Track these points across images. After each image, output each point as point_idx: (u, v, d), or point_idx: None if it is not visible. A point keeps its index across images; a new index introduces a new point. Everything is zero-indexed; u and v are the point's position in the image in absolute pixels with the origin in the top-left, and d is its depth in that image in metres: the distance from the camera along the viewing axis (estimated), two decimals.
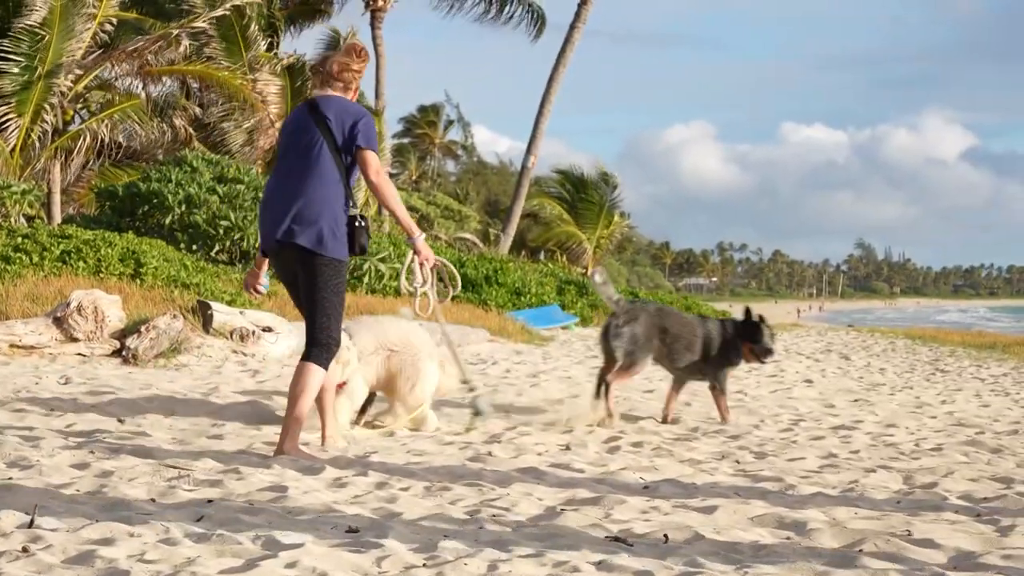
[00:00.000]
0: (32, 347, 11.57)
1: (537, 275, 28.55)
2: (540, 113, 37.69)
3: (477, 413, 7.94)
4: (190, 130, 29.52)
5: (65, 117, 25.69)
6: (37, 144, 24.51)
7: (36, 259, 15.83)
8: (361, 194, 24.79)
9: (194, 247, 21.01)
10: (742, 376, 13.13)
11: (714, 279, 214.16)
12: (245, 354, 12.63)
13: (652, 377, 12.63)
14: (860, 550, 4.55)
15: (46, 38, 23.92)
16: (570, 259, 47.77)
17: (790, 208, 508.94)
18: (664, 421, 8.67)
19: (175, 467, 5.86)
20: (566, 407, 8.83)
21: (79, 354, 11.68)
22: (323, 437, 6.86)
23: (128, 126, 27.44)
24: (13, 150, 24.02)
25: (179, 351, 12.04)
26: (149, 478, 5.59)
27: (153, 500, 5.10)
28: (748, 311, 8.75)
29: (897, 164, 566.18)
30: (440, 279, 7.33)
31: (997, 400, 11.18)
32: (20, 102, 23.96)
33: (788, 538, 4.78)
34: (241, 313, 13.46)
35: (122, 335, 11.97)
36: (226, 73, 28.32)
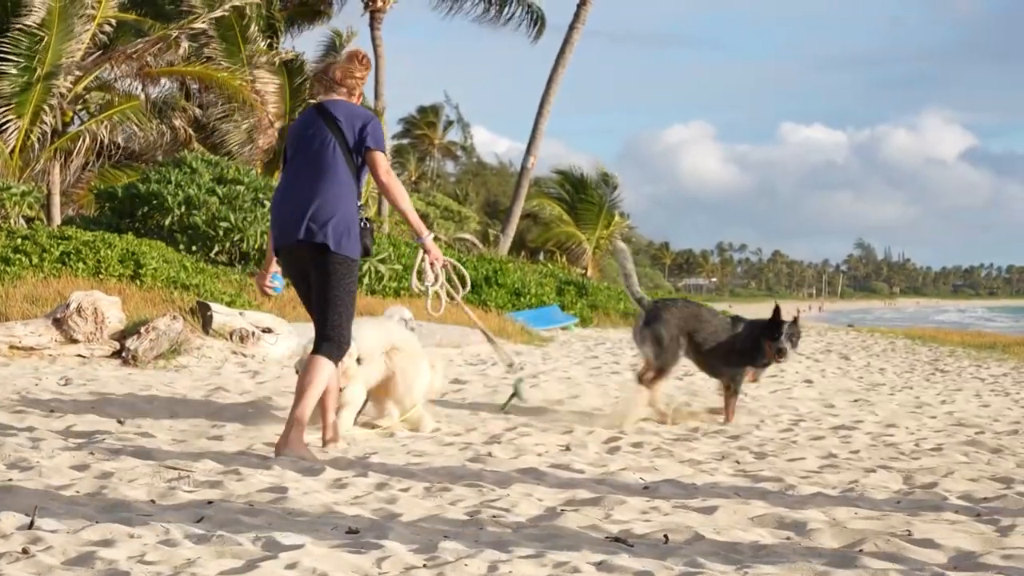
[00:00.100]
0: (32, 348, 11.58)
1: (537, 276, 28.56)
2: (539, 114, 37.68)
3: (516, 395, 7.94)
4: (189, 131, 29.52)
5: (64, 118, 25.70)
6: (36, 145, 24.52)
7: (36, 260, 15.84)
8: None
9: (194, 248, 21.01)
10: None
11: (714, 279, 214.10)
12: (245, 355, 12.63)
13: None
14: (860, 550, 4.56)
15: (45, 39, 23.92)
16: (570, 260, 47.81)
17: (789, 208, 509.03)
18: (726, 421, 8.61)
19: (175, 468, 5.86)
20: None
21: (79, 355, 11.68)
22: (324, 438, 6.86)
23: (127, 127, 27.45)
24: (12, 151, 24.03)
25: (179, 352, 12.04)
26: (149, 479, 5.59)
27: (153, 501, 5.10)
28: (777, 309, 8.64)
29: (896, 164, 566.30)
30: (448, 279, 7.36)
31: (997, 400, 11.18)
32: (19, 103, 23.96)
33: (788, 538, 4.79)
34: (241, 314, 13.46)
35: (122, 336, 11.97)
36: (225, 74, 28.33)
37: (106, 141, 25.89)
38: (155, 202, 21.82)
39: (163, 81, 29.77)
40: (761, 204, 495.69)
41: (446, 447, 7.05)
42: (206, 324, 13.04)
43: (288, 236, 6.55)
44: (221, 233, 21.35)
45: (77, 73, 25.06)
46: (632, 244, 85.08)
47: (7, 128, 23.95)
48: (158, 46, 26.09)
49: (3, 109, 24.03)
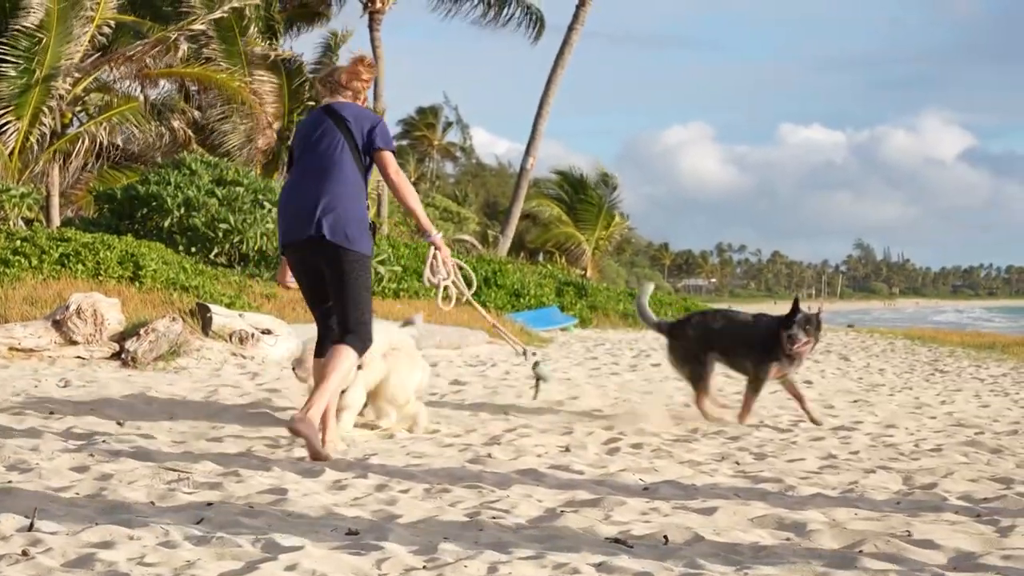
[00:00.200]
0: (31, 350, 11.57)
1: (536, 277, 28.58)
2: (538, 114, 37.69)
3: (540, 379, 7.94)
4: (189, 132, 29.53)
5: (63, 120, 25.71)
6: (36, 147, 24.52)
7: (35, 262, 15.84)
8: None
9: (193, 250, 21.02)
10: (741, 377, 13.12)
11: (713, 280, 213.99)
12: (244, 356, 12.63)
13: (652, 378, 12.64)
14: (860, 551, 4.56)
15: (44, 41, 23.93)
16: (569, 260, 47.85)
17: (789, 209, 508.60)
18: (814, 422, 8.57)
19: (175, 470, 5.86)
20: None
21: (78, 357, 11.67)
22: (323, 440, 6.86)
23: (126, 129, 27.45)
24: (12, 153, 24.03)
25: (178, 354, 12.04)
26: (149, 481, 5.59)
27: (153, 503, 5.10)
28: (796, 301, 8.64)
29: (896, 165, 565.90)
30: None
31: (996, 400, 11.18)
32: (18, 105, 23.97)
33: (788, 539, 4.79)
34: (240, 316, 13.46)
35: (121, 338, 11.96)
36: (224, 75, 28.34)
37: (105, 143, 25.89)
38: (154, 204, 21.84)
39: (162, 82, 29.78)
40: (760, 205, 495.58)
41: (446, 448, 7.05)
42: (205, 326, 13.04)
43: (296, 232, 6.61)
44: (220, 235, 21.35)
45: (76, 75, 25.07)
46: (632, 245, 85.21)
47: (6, 130, 23.96)
48: (157, 48, 26.09)
49: (2, 111, 24.04)
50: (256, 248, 21.56)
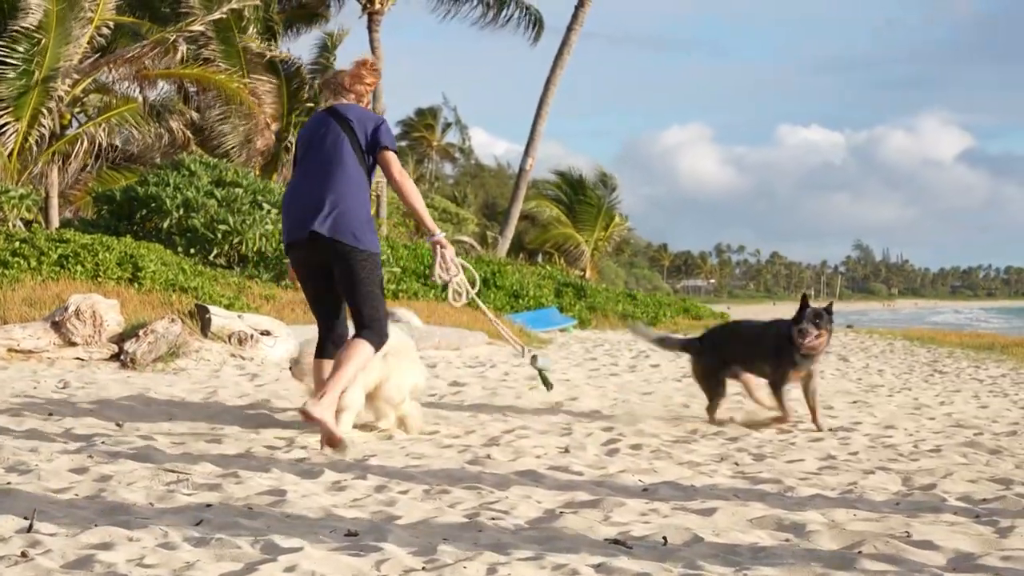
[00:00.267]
0: (30, 351, 11.57)
1: (535, 277, 28.59)
2: (537, 115, 37.71)
3: (543, 370, 7.92)
4: (188, 134, 29.54)
5: (62, 121, 25.72)
6: (35, 148, 24.53)
7: (34, 263, 15.84)
8: None
9: (192, 251, 21.02)
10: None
11: (712, 281, 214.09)
12: (243, 358, 12.63)
13: (650, 379, 12.64)
14: (859, 552, 4.56)
15: (43, 42, 23.93)
16: (568, 261, 47.87)
17: (787, 210, 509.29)
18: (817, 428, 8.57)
19: (174, 471, 5.86)
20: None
21: (77, 358, 11.67)
22: (321, 441, 6.86)
23: (125, 130, 27.46)
24: (11, 154, 24.03)
25: (177, 355, 12.04)
26: (148, 482, 5.59)
27: (152, 504, 5.10)
28: (804, 298, 8.65)
29: (894, 166, 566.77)
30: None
31: (996, 401, 11.18)
32: (17, 106, 23.98)
33: (787, 540, 4.79)
34: (239, 317, 13.46)
35: (120, 339, 11.96)
36: (223, 76, 28.35)
37: (104, 144, 25.91)
38: (153, 205, 21.84)
39: (161, 83, 29.79)
40: (759, 206, 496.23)
41: (445, 449, 7.05)
42: (204, 327, 13.04)
43: (301, 231, 6.66)
44: (219, 236, 21.36)
45: (75, 76, 25.07)
46: (631, 246, 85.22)
47: (5, 131, 23.96)
48: (156, 49, 26.10)
49: (1, 112, 24.06)
50: (255, 249, 21.56)
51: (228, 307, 14.64)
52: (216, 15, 27.76)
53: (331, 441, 6.59)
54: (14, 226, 20.39)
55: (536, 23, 38.44)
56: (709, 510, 5.29)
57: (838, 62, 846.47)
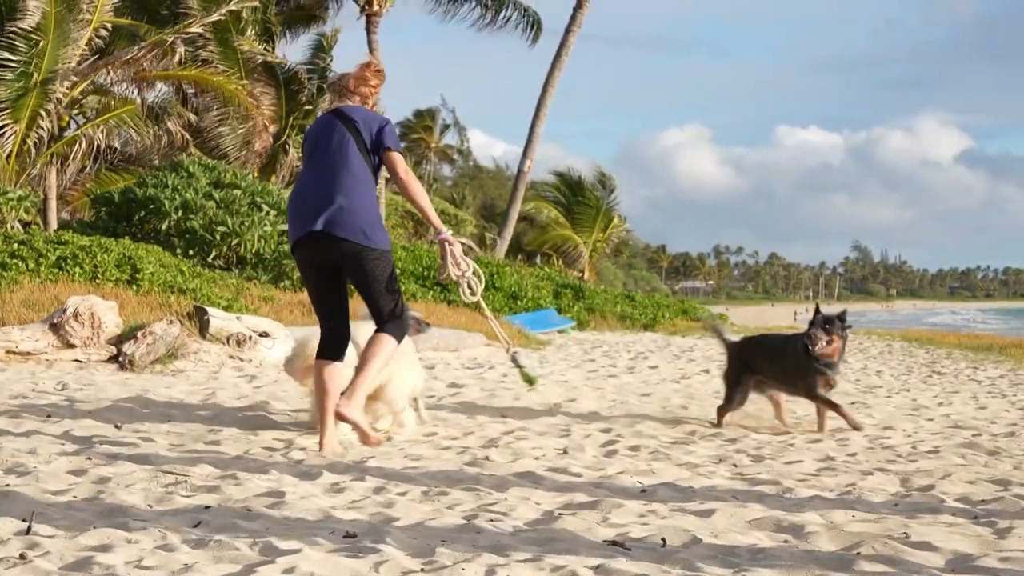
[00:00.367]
0: (29, 353, 11.57)
1: (533, 279, 28.55)
2: (536, 117, 37.69)
3: (521, 367, 7.92)
4: (187, 135, 29.53)
5: (61, 123, 25.71)
6: (33, 150, 24.51)
7: (32, 265, 15.83)
8: None
9: (191, 252, 21.01)
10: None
11: (710, 282, 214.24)
12: (242, 359, 12.62)
13: (649, 381, 12.64)
14: (858, 553, 4.56)
15: (41, 44, 23.92)
16: (566, 263, 47.86)
17: (786, 211, 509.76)
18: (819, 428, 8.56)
19: (172, 473, 5.86)
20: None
21: (76, 360, 11.67)
22: (321, 442, 6.87)
23: (124, 131, 27.45)
24: (9, 156, 24.02)
25: (176, 357, 12.03)
26: (146, 484, 5.59)
27: (150, 506, 5.10)
28: (817, 307, 8.67)
29: (893, 166, 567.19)
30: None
31: (994, 402, 11.18)
32: (16, 108, 23.97)
33: (786, 541, 4.79)
34: (238, 318, 13.45)
35: (119, 341, 11.96)
36: (221, 78, 28.34)
37: (102, 145, 25.90)
38: (152, 206, 21.84)
39: (159, 85, 29.79)
40: (757, 207, 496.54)
41: (443, 451, 7.05)
42: (203, 328, 13.04)
43: (307, 230, 6.71)
44: (218, 237, 21.35)
45: (73, 78, 25.06)
46: (629, 247, 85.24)
47: (3, 133, 23.96)
48: (154, 51, 26.09)
49: (0, 114, 24.03)
50: (253, 251, 21.56)
51: (226, 309, 14.64)
52: (214, 17, 27.76)
53: (365, 440, 6.81)
54: (12, 228, 20.38)
55: (534, 25, 38.43)
56: (707, 511, 5.30)
57: (838, 62, 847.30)
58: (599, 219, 50.29)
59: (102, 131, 25.83)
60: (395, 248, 24.64)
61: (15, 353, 11.51)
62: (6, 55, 23.77)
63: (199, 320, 13.20)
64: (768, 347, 8.88)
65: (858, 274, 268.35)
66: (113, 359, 11.80)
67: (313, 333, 7.54)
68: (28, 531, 4.49)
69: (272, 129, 31.40)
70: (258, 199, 22.65)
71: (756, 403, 8.97)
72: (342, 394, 6.74)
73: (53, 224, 25.32)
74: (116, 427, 7.57)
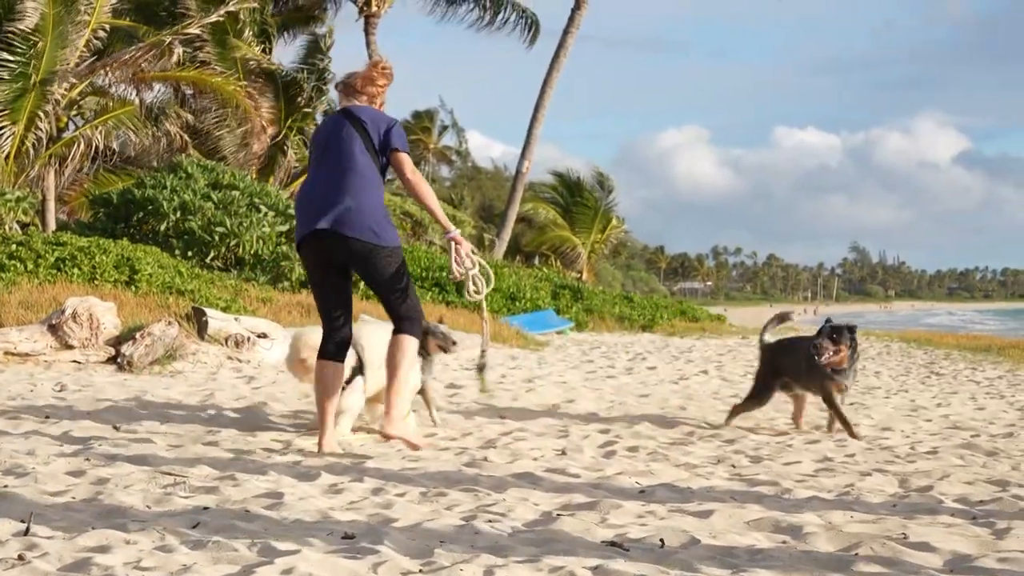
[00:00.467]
0: (27, 354, 11.56)
1: (532, 280, 28.55)
2: (534, 118, 37.69)
3: (481, 377, 7.91)
4: (185, 137, 29.52)
5: (59, 124, 25.69)
6: (31, 151, 24.48)
7: (31, 266, 15.84)
8: None
9: (189, 254, 21.00)
10: (737, 380, 13.14)
11: (709, 283, 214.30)
12: (240, 361, 12.62)
13: (647, 382, 12.64)
14: (856, 554, 4.56)
15: (39, 45, 23.91)
16: (565, 264, 47.85)
17: (784, 212, 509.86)
18: (828, 430, 8.57)
19: (171, 474, 5.86)
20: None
21: (74, 361, 11.66)
22: (320, 443, 6.87)
23: (122, 133, 27.44)
24: (7, 157, 24.00)
25: (174, 358, 12.03)
26: (145, 485, 5.59)
27: (149, 507, 5.10)
28: (828, 320, 8.67)
29: (891, 168, 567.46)
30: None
31: (992, 403, 11.19)
32: (14, 109, 23.95)
33: (784, 542, 4.79)
34: (236, 320, 13.44)
35: (117, 342, 11.95)
36: (219, 79, 28.33)
37: (101, 146, 25.87)
38: (150, 207, 21.83)
39: (157, 86, 29.78)
40: (756, 208, 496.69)
41: (442, 452, 7.05)
42: (201, 330, 13.03)
43: (313, 226, 6.74)
44: (216, 238, 21.34)
45: (72, 79, 25.04)
46: (627, 248, 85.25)
47: (2, 134, 23.93)
48: (152, 52, 26.08)
49: None
50: (252, 252, 21.55)
51: (225, 310, 14.63)
52: (213, 18, 27.75)
53: (415, 448, 6.92)
54: (11, 229, 20.37)
55: (532, 26, 38.45)
56: (706, 512, 5.30)
57: (836, 63, 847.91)
58: (597, 220, 50.29)
59: (100, 132, 25.81)
60: None
61: (13, 354, 11.51)
62: (5, 55, 23.76)
63: (197, 321, 13.20)
64: (791, 348, 8.89)
65: (856, 275, 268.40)
66: (111, 360, 11.80)
67: (308, 328, 7.58)
68: (27, 532, 4.49)
69: (270, 131, 31.40)
70: (256, 200, 22.64)
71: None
72: (387, 414, 6.83)
73: (51, 225, 25.31)
74: (115, 428, 7.57)
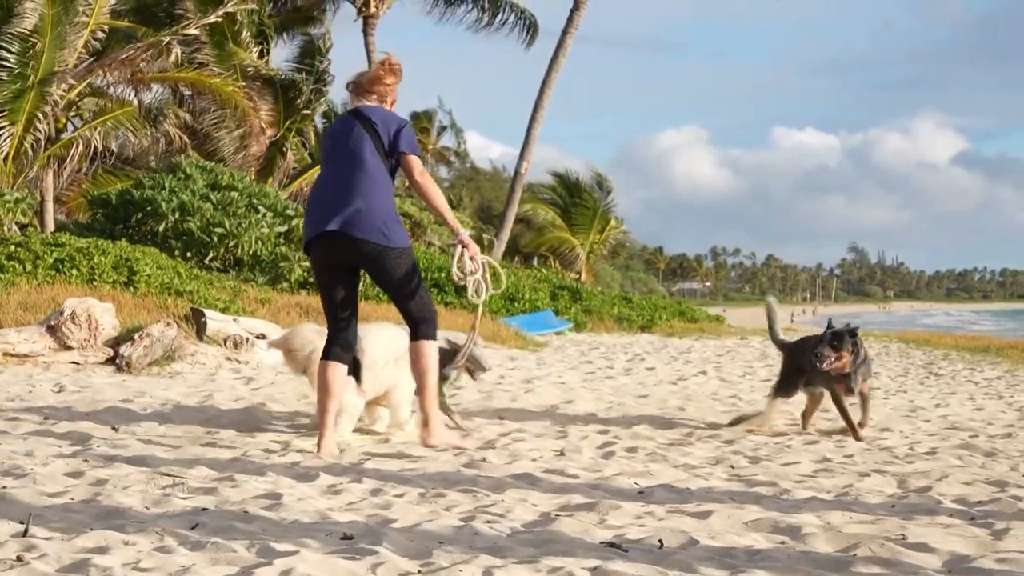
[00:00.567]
0: (26, 355, 11.56)
1: (530, 281, 28.54)
2: (533, 119, 37.66)
3: (446, 379, 7.86)
4: (184, 138, 29.52)
5: (58, 125, 25.69)
6: (30, 152, 24.49)
7: (29, 267, 15.83)
8: None
9: (188, 254, 21.00)
10: (736, 381, 13.15)
11: (708, 284, 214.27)
12: (239, 361, 12.62)
13: (646, 382, 12.64)
14: (854, 554, 4.56)
15: (38, 46, 23.91)
16: (563, 265, 47.86)
17: (783, 212, 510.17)
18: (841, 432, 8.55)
19: (169, 475, 5.86)
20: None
21: (73, 362, 11.66)
22: (319, 444, 6.86)
23: (121, 133, 27.44)
24: (6, 158, 24.01)
25: (173, 359, 12.03)
26: (143, 486, 5.59)
27: (148, 508, 5.10)
28: (829, 322, 8.64)
29: (889, 168, 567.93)
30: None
31: (991, 403, 11.19)
32: (13, 110, 23.95)
33: (783, 543, 4.79)
34: (235, 321, 13.45)
35: (116, 343, 11.95)
36: (217, 80, 28.33)
37: (99, 147, 25.87)
38: (149, 208, 21.82)
39: (155, 87, 29.77)
40: (755, 208, 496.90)
41: (440, 453, 7.04)
42: (200, 331, 13.03)
43: (321, 227, 6.76)
44: (215, 239, 21.34)
45: (70, 80, 25.04)
46: (626, 249, 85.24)
47: (1, 135, 23.93)
48: (150, 51, 26.08)
49: None
50: (250, 253, 21.55)
51: (223, 311, 14.63)
52: (211, 19, 27.75)
53: (461, 449, 7.00)
54: (9, 230, 20.37)
55: (531, 27, 38.42)
56: (705, 513, 5.30)
57: (835, 64, 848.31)
58: (596, 221, 50.30)
59: (99, 133, 25.81)
60: None
61: (12, 355, 11.51)
62: (4, 55, 23.76)
63: (196, 322, 13.20)
64: (806, 348, 8.89)
65: (855, 276, 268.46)
66: (110, 361, 11.80)
67: (305, 326, 7.62)
68: (25, 533, 4.48)
69: (269, 132, 31.39)
70: (255, 201, 22.64)
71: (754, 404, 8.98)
72: (424, 425, 7.00)
73: (50, 226, 25.30)
74: (113, 429, 7.57)
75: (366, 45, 36.52)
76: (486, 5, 38.20)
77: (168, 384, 10.71)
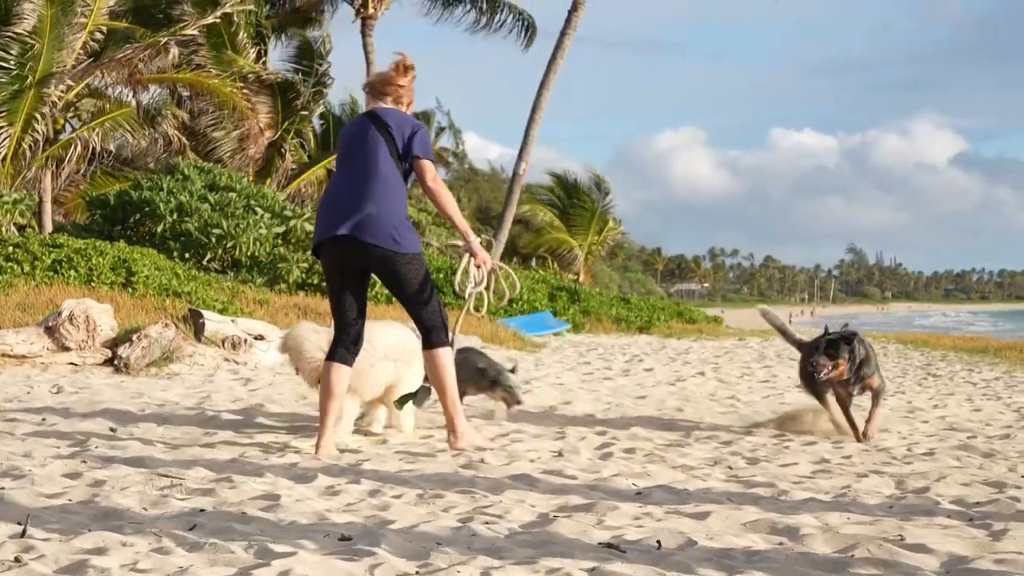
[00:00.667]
0: (24, 356, 11.56)
1: (529, 281, 28.55)
2: (531, 119, 37.61)
3: (411, 398, 7.80)
4: (182, 139, 29.52)
5: (56, 126, 25.69)
6: (28, 153, 24.49)
7: (27, 268, 15.84)
8: None
9: (186, 255, 21.00)
10: (734, 382, 13.15)
11: (706, 284, 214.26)
12: (237, 362, 12.62)
13: (644, 383, 12.64)
14: (852, 555, 4.56)
15: (36, 47, 23.91)
16: (561, 266, 47.87)
17: (781, 213, 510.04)
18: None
19: (167, 476, 5.86)
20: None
21: (71, 363, 11.66)
22: (318, 444, 6.86)
23: (119, 134, 27.44)
24: (4, 159, 24.01)
25: (171, 360, 12.03)
26: (141, 487, 5.59)
27: (145, 509, 5.10)
28: (826, 329, 8.59)
29: (888, 169, 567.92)
30: (497, 282, 7.53)
31: (989, 404, 11.19)
32: (11, 111, 23.95)
33: (781, 544, 4.79)
34: (233, 322, 13.45)
35: (114, 344, 11.95)
36: (215, 80, 28.33)
37: (98, 148, 25.88)
38: (147, 209, 21.83)
39: (153, 88, 29.78)
40: (753, 209, 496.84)
41: (439, 453, 7.04)
42: (198, 331, 13.03)
43: (333, 232, 6.76)
44: (213, 240, 21.34)
45: (69, 81, 25.04)
46: (624, 250, 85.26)
47: None
48: (148, 52, 26.08)
49: None
50: (248, 254, 21.55)
51: (222, 312, 14.63)
52: (209, 19, 27.75)
53: (486, 449, 7.04)
54: (7, 231, 20.36)
55: (529, 28, 38.39)
56: (703, 514, 5.30)
57: (833, 65, 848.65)
58: (594, 222, 50.32)
59: (97, 134, 25.82)
60: None
61: (10, 356, 11.50)
62: (2, 55, 23.76)
63: (194, 323, 13.20)
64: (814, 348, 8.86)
65: (853, 277, 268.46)
66: (108, 362, 11.79)
67: (303, 325, 7.62)
68: (23, 534, 4.48)
69: (267, 133, 31.38)
70: (253, 202, 22.64)
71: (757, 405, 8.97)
72: (451, 430, 7.05)
73: (48, 227, 25.29)
74: (111, 430, 7.57)
75: (364, 46, 36.48)
76: (484, 6, 38.17)
77: (166, 385, 10.71)
